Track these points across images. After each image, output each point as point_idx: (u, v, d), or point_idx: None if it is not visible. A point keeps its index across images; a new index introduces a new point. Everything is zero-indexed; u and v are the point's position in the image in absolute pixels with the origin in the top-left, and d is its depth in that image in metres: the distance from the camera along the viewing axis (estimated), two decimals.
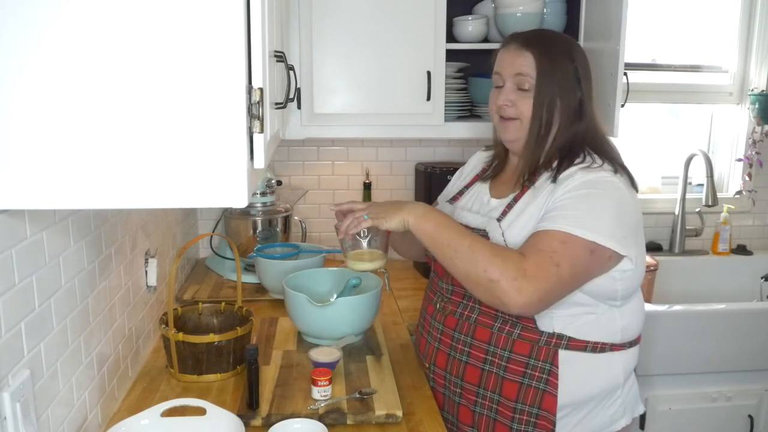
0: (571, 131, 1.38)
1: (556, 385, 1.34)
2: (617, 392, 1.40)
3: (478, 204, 1.49)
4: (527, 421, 1.36)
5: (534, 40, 1.39)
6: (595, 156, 1.37)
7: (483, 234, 1.38)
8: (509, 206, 1.40)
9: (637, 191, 1.37)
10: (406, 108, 2.08)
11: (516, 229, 1.35)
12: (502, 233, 1.35)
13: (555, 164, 1.37)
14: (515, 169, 1.47)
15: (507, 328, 1.36)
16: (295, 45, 2.00)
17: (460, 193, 1.57)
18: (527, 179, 1.40)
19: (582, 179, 1.31)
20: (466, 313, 1.42)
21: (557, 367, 1.34)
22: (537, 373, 1.35)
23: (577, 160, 1.36)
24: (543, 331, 1.34)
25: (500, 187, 1.48)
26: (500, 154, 1.53)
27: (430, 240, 1.32)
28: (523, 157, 1.41)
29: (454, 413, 1.46)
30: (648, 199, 2.68)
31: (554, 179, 1.34)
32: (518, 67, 1.37)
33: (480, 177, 1.56)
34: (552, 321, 1.33)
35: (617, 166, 1.36)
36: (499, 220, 1.39)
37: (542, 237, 1.27)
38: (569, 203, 1.29)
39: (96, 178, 0.82)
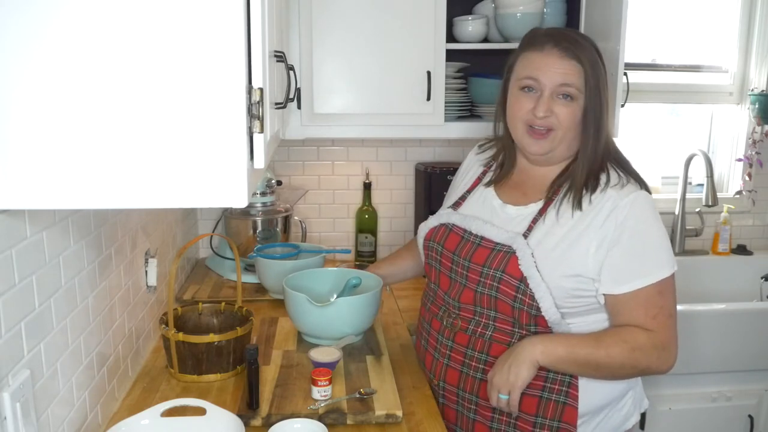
0: (605, 137, 1.33)
1: (576, 396, 1.32)
2: (629, 393, 1.41)
3: (489, 211, 1.41)
4: None
5: (577, 45, 1.28)
6: (616, 168, 1.33)
7: (509, 251, 1.32)
8: (534, 221, 1.34)
9: (650, 194, 1.34)
10: (406, 108, 2.08)
11: (545, 250, 1.30)
12: (531, 252, 1.29)
13: (581, 180, 1.32)
14: (526, 173, 1.42)
15: None
16: (295, 45, 2.00)
17: (462, 198, 1.50)
18: (554, 191, 1.35)
19: (625, 212, 1.27)
20: (479, 330, 1.37)
21: (577, 379, 1.32)
22: (557, 387, 1.32)
23: (603, 177, 1.32)
24: None
25: (512, 192, 1.42)
26: (508, 154, 1.45)
27: (567, 361, 1.27)
28: (574, 175, 1.33)
29: (468, 429, 1.43)
30: None
31: (589, 201, 1.30)
32: (564, 77, 1.27)
33: (481, 180, 1.50)
34: (570, 331, 1.32)
35: (636, 177, 1.33)
36: (525, 236, 1.32)
37: (643, 299, 1.27)
38: (636, 249, 1.27)
39: (96, 178, 0.82)
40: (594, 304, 1.31)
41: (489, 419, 1.39)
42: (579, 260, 1.28)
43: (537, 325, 1.32)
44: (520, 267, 1.29)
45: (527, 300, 1.30)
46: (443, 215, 1.48)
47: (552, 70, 1.28)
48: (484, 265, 1.34)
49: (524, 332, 1.33)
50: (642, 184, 1.32)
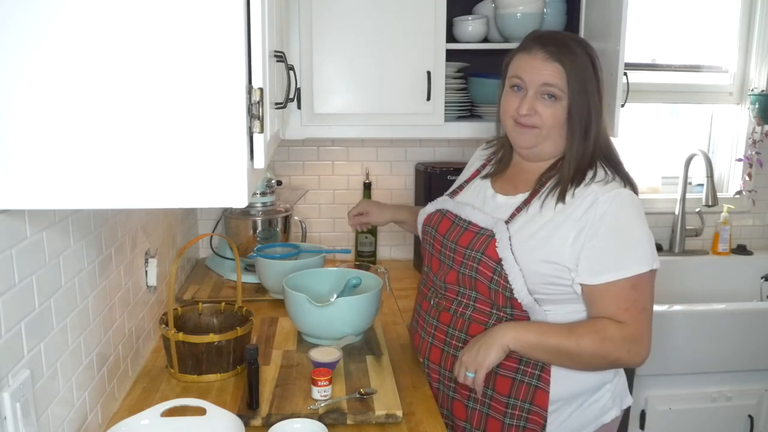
0: (595, 137, 1.35)
1: (548, 381, 1.36)
2: (606, 385, 1.43)
3: (481, 199, 1.48)
4: (519, 416, 1.38)
5: (562, 49, 1.33)
6: (605, 166, 1.36)
7: (490, 235, 1.37)
8: (518, 209, 1.39)
9: (637, 194, 1.37)
10: (406, 108, 2.08)
11: (524, 236, 1.34)
12: (509, 237, 1.35)
13: (567, 176, 1.35)
14: (519, 167, 1.47)
15: None
16: (295, 45, 2.00)
17: (460, 187, 1.57)
18: (540, 183, 1.39)
19: (605, 207, 1.29)
20: (460, 309, 1.43)
21: (550, 364, 1.36)
22: (530, 369, 1.36)
23: (589, 174, 1.35)
24: None
25: (504, 184, 1.48)
26: (506, 151, 1.51)
27: (537, 348, 1.31)
28: (561, 172, 1.37)
29: (448, 407, 1.48)
30: (648, 199, 2.68)
31: (572, 194, 1.33)
32: (546, 77, 1.33)
33: (479, 172, 1.56)
34: (546, 319, 1.36)
35: (624, 176, 1.36)
36: (507, 222, 1.37)
37: (616, 292, 1.29)
38: (613, 243, 1.29)
39: (96, 178, 0.82)
40: (570, 294, 1.35)
41: (466, 398, 1.43)
42: (556, 249, 1.32)
43: (513, 307, 1.36)
44: (496, 249, 1.35)
45: (502, 281, 1.34)
46: (439, 202, 1.56)
47: (535, 71, 1.34)
48: (467, 247, 1.40)
49: (501, 314, 1.38)
50: (628, 184, 1.36)
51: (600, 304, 1.31)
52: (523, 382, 1.37)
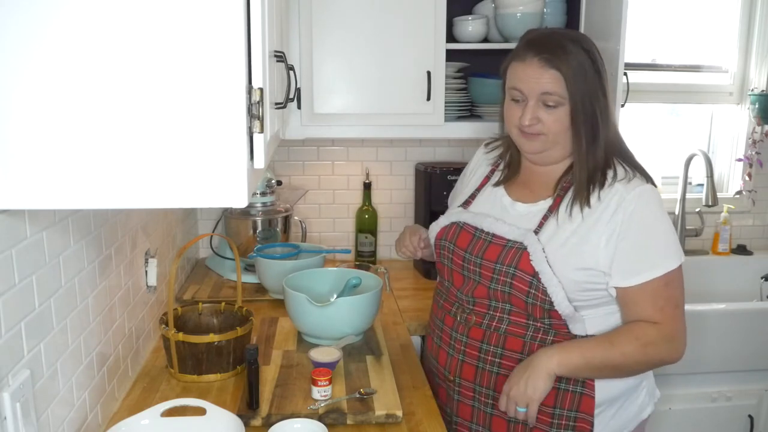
0: (605, 136, 1.33)
1: (593, 386, 1.34)
2: (643, 383, 1.43)
3: (499, 209, 1.43)
4: (566, 425, 1.35)
5: (557, 53, 1.28)
6: (623, 164, 1.35)
7: (521, 247, 1.34)
8: (545, 217, 1.35)
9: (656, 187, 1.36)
10: (406, 108, 2.08)
11: (556, 245, 1.31)
12: (543, 248, 1.31)
13: (581, 179, 1.33)
14: (531, 171, 1.44)
15: (540, 336, 1.35)
16: (295, 45, 2.00)
17: (472, 196, 1.51)
18: (562, 188, 1.37)
19: (632, 206, 1.28)
20: (494, 324, 1.39)
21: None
22: (573, 378, 1.34)
23: (610, 173, 1.33)
24: (576, 335, 1.33)
25: (520, 190, 1.44)
26: (513, 154, 1.47)
27: (584, 368, 1.30)
28: (574, 175, 1.35)
29: (486, 424, 1.43)
30: None
31: (598, 197, 1.32)
32: (544, 86, 1.29)
33: (489, 179, 1.51)
34: (585, 324, 1.34)
35: (642, 171, 1.35)
36: (536, 232, 1.34)
37: (651, 291, 1.29)
38: (643, 242, 1.29)
39: (96, 178, 0.82)
40: (605, 297, 1.33)
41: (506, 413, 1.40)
42: (590, 254, 1.30)
43: (551, 318, 1.33)
44: (531, 262, 1.31)
45: (540, 295, 1.31)
46: (453, 214, 1.50)
47: (533, 80, 1.30)
48: (497, 261, 1.36)
49: (539, 324, 1.35)
50: (648, 179, 1.35)
51: (636, 305, 1.30)
52: (568, 390, 1.34)
